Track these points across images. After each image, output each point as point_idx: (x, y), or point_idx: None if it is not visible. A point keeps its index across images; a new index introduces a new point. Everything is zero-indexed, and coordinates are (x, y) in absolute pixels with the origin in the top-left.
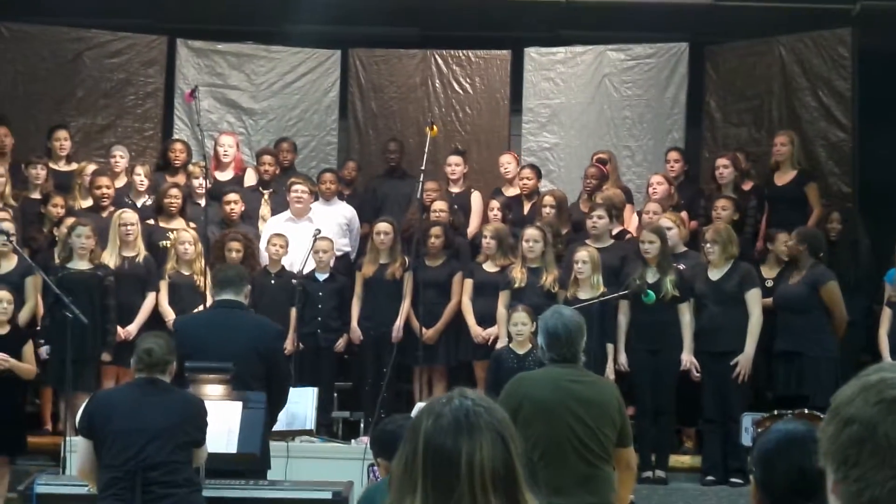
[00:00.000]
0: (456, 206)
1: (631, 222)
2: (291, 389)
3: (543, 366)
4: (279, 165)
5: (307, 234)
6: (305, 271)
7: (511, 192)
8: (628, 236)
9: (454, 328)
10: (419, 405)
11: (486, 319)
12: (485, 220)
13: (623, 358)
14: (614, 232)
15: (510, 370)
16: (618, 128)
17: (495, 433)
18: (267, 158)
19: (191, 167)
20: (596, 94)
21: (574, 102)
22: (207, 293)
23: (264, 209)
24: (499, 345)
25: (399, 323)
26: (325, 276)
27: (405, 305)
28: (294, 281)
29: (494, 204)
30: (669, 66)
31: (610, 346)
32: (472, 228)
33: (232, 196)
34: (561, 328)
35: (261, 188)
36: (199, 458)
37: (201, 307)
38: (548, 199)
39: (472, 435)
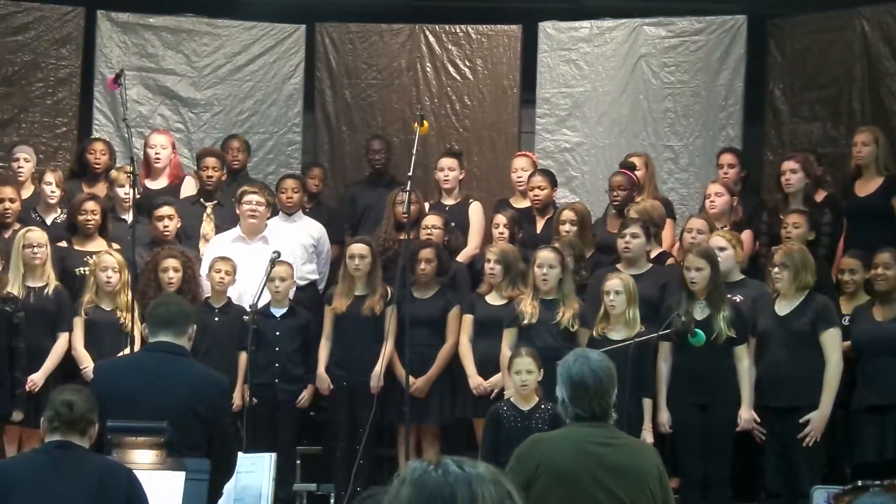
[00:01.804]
0: (452, 223)
1: (674, 242)
2: (243, 455)
3: (558, 425)
4: (227, 170)
5: (262, 257)
6: (259, 305)
7: (521, 204)
8: (669, 260)
9: (450, 377)
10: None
11: (489, 365)
12: (487, 239)
13: (665, 415)
14: (652, 255)
15: (511, 431)
16: (657, 123)
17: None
18: (211, 161)
19: (114, 174)
20: (630, 80)
21: (601, 91)
22: (135, 334)
23: (207, 226)
24: (506, 396)
25: (379, 370)
26: (284, 310)
27: (387, 348)
28: (245, 317)
29: (500, 219)
30: (723, 45)
31: (647, 401)
32: (470, 249)
33: (165, 210)
34: (589, 376)
35: (203, 199)
36: None
37: (127, 351)
38: (567, 214)
39: None
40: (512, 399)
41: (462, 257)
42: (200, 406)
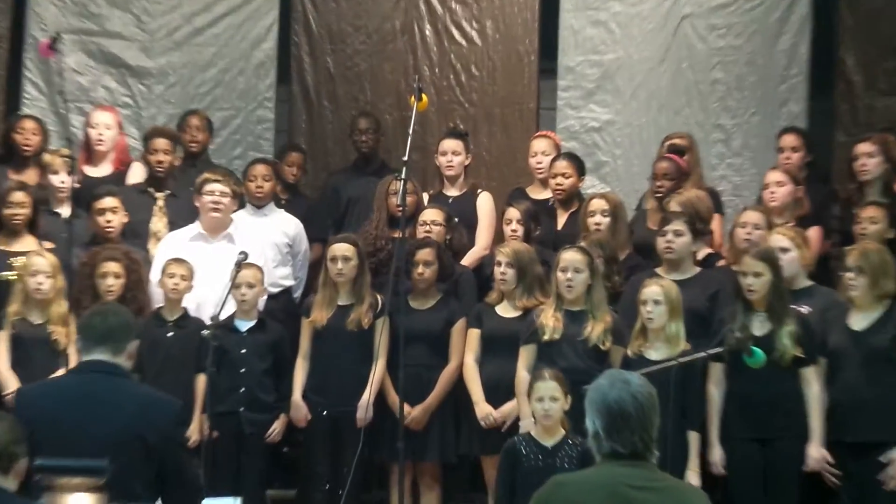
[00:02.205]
0: (456, 218)
1: (721, 241)
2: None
3: (587, 464)
4: (184, 153)
5: (225, 258)
6: (222, 317)
7: (540, 194)
8: (720, 262)
9: (453, 405)
10: None
11: (500, 391)
12: (499, 237)
13: (717, 453)
14: (699, 256)
15: (531, 471)
16: (704, 97)
17: None
18: (163, 143)
19: (47, 158)
20: (671, 45)
21: (637, 59)
22: (71, 351)
23: (158, 222)
24: (522, 428)
25: (368, 397)
26: (252, 323)
27: (377, 370)
28: (204, 332)
29: (512, 213)
30: (784, 3)
31: (693, 435)
32: (478, 250)
33: (108, 201)
34: (630, 403)
35: (154, 189)
36: None
37: (61, 373)
38: (597, 204)
39: None
40: (532, 432)
41: (468, 259)
42: (148, 436)
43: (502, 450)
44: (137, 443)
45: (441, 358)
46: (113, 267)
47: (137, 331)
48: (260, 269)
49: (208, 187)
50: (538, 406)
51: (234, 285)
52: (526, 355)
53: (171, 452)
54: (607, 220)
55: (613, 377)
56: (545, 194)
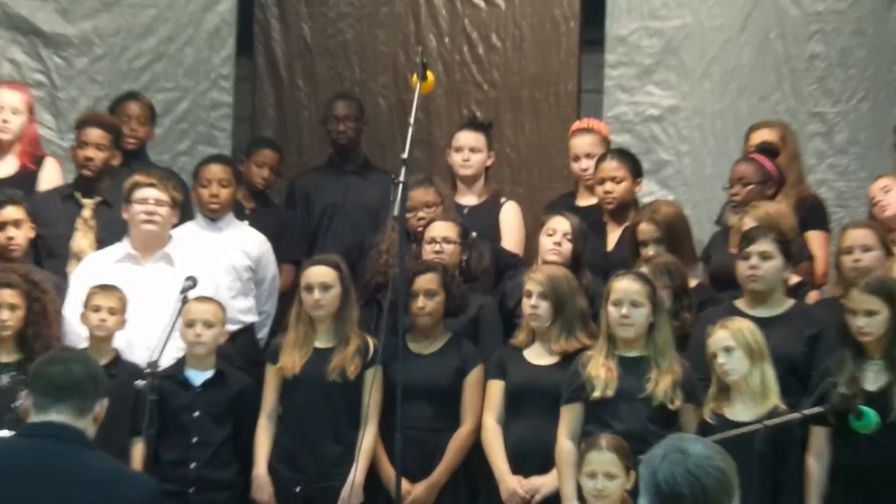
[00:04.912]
0: (474, 234)
1: (826, 268)
2: None
3: None
4: (116, 148)
5: (161, 285)
6: (165, 364)
7: (588, 201)
8: (812, 294)
9: (466, 480)
10: None
11: (531, 462)
12: (527, 257)
13: None
14: (791, 283)
15: None
16: (798, 78)
17: None
18: (93, 135)
19: None
20: (754, 9)
21: (709, 26)
22: None
23: (83, 238)
24: None
25: (357, 473)
26: (208, 374)
27: (367, 435)
28: (138, 382)
29: (560, 223)
30: None
31: None
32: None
33: (10, 212)
34: (685, 481)
35: (78, 194)
36: None
37: (4, 434)
38: (645, 231)
39: None
40: None
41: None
42: None
43: None
44: None
45: (450, 419)
46: (7, 296)
47: (105, 387)
48: (216, 302)
49: (139, 194)
50: (589, 484)
51: (185, 323)
52: (569, 417)
53: None
54: (661, 246)
55: (669, 447)
56: (592, 200)
